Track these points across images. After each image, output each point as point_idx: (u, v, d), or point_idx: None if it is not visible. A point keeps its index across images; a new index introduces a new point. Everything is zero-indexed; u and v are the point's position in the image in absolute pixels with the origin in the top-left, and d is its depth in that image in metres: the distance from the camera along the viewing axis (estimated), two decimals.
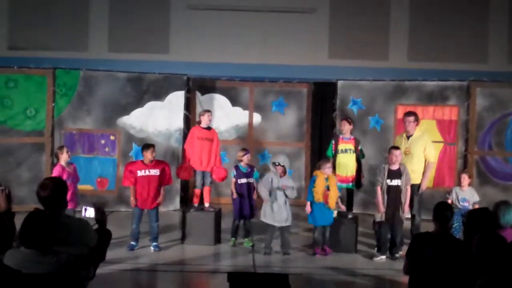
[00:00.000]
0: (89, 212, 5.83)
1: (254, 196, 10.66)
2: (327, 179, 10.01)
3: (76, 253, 5.42)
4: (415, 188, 10.31)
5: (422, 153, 10.52)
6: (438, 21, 15.72)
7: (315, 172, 10.23)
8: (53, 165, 12.92)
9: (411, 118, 10.64)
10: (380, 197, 9.89)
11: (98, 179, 13.15)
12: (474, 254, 5.29)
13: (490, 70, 14.90)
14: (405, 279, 6.37)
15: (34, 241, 4.89)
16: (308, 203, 10.07)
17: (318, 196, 9.95)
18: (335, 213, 10.23)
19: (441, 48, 15.58)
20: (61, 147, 10.31)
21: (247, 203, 10.49)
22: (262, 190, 10.04)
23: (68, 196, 9.43)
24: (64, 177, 9.71)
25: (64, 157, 10.00)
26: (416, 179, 10.36)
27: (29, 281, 4.80)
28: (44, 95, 13.22)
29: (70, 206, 9.47)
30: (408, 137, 10.61)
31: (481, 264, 4.82)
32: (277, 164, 10.09)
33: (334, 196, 10.00)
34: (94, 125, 13.54)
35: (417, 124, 10.70)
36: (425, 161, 10.55)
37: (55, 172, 9.90)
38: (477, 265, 5.17)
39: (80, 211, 5.95)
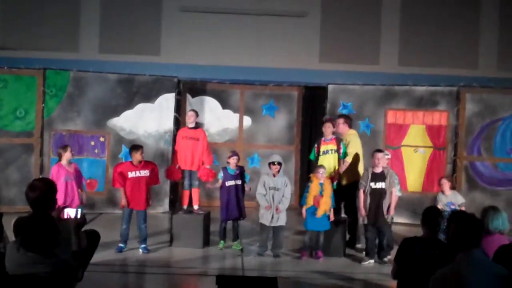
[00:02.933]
0: (71, 213, 5.82)
1: (248, 188, 10.65)
2: (322, 184, 10.01)
3: (68, 255, 5.42)
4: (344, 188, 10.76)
5: (352, 153, 10.84)
6: (429, 27, 15.81)
7: (312, 176, 10.25)
8: (41, 165, 12.99)
9: (341, 120, 11.13)
10: (362, 200, 9.92)
11: (88, 181, 13.08)
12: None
13: (480, 75, 14.98)
14: (393, 283, 6.37)
15: (38, 245, 4.87)
16: (304, 207, 10.09)
17: (309, 201, 9.97)
18: (331, 217, 10.18)
19: (432, 54, 15.65)
20: (65, 146, 10.26)
21: (234, 205, 10.47)
22: (261, 198, 10.05)
23: (65, 196, 9.60)
24: (62, 176, 9.78)
25: (67, 156, 9.98)
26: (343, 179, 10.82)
27: (26, 282, 4.78)
28: (34, 96, 13.18)
29: (74, 205, 9.57)
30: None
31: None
32: (275, 163, 10.09)
33: (324, 204, 9.96)
34: (84, 126, 13.51)
35: (349, 126, 11.14)
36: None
37: (52, 170, 9.97)
38: None
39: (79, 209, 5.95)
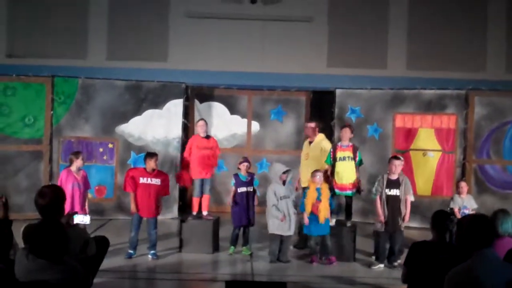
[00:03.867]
0: (78, 219, 5.84)
1: (256, 203, 10.64)
2: (319, 189, 9.99)
3: (77, 262, 5.43)
4: None
5: (320, 157, 10.81)
6: (437, 30, 15.78)
7: (308, 182, 10.23)
8: (50, 172, 13.03)
9: (312, 125, 11.09)
10: (380, 207, 9.87)
11: (96, 187, 13.14)
12: None
13: (488, 79, 14.97)
14: (403, 287, 6.35)
15: (47, 251, 4.88)
16: (305, 213, 10.06)
17: (308, 208, 9.95)
18: (332, 222, 10.18)
19: (440, 57, 15.63)
20: (77, 153, 10.31)
21: (245, 212, 10.47)
22: (275, 210, 9.92)
23: (71, 203, 9.65)
24: (70, 182, 9.86)
25: (78, 163, 10.04)
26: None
27: None
28: (43, 103, 13.22)
29: (77, 209, 9.65)
30: (310, 143, 11.08)
31: None
32: (285, 172, 10.05)
33: (324, 209, 9.91)
34: (92, 133, 13.54)
35: (318, 131, 11.10)
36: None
37: (61, 175, 10.02)
38: None
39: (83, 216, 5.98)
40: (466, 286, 4.54)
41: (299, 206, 10.17)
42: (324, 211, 9.90)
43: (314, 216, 9.93)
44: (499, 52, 15.80)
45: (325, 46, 15.93)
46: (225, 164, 13.91)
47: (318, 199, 9.92)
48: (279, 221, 9.91)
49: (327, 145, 11.01)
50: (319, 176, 10.04)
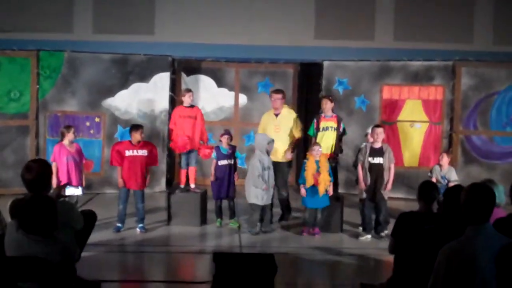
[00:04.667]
0: (70, 191, 5.84)
1: (236, 177, 10.67)
2: (318, 162, 10.01)
3: (66, 236, 5.43)
4: (285, 165, 10.71)
5: (289, 130, 10.78)
6: (424, 1, 15.72)
7: (307, 155, 10.24)
8: (37, 147, 13.00)
9: (279, 96, 10.86)
10: (361, 174, 9.93)
11: (84, 161, 13.10)
12: None
13: (475, 49, 14.94)
14: (390, 257, 6.40)
15: (37, 226, 4.88)
16: (302, 186, 10.09)
17: (309, 180, 9.97)
18: (330, 192, 10.16)
19: (427, 28, 15.59)
20: (68, 127, 10.35)
21: (226, 184, 10.48)
22: (258, 181, 9.97)
23: (67, 176, 9.75)
24: (63, 156, 9.96)
25: (69, 137, 10.09)
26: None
27: (25, 263, 4.80)
28: (28, 78, 13.11)
29: (74, 183, 9.88)
30: (276, 115, 10.85)
31: None
32: (269, 142, 10.07)
33: (323, 180, 9.95)
34: (79, 107, 13.46)
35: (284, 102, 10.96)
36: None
37: (54, 150, 10.06)
38: None
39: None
40: (461, 262, 4.48)
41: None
42: (323, 182, 9.95)
43: (313, 188, 9.97)
44: (486, 23, 15.77)
45: (312, 18, 15.85)
46: (213, 137, 13.87)
47: (317, 171, 9.95)
48: (259, 190, 9.97)
49: (295, 114, 11.04)
50: (317, 149, 10.06)
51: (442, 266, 4.54)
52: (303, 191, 10.07)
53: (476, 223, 4.57)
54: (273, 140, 10.17)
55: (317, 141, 10.45)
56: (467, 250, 4.47)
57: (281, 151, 10.62)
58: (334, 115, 10.73)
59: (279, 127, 10.77)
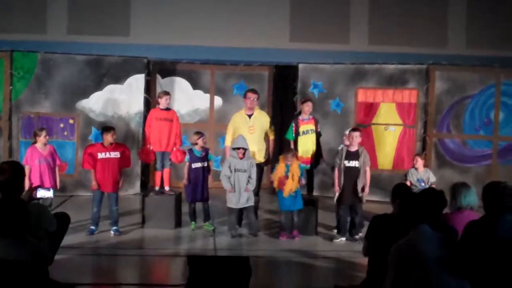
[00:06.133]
0: (41, 193, 5.79)
1: (210, 179, 10.68)
2: (288, 166, 10.01)
3: (38, 239, 5.38)
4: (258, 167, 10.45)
5: (263, 131, 10.72)
6: (398, 5, 15.83)
7: (280, 158, 10.23)
8: (9, 149, 12.89)
9: (256, 95, 10.73)
10: (337, 178, 9.96)
11: (58, 163, 13.00)
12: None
13: (449, 53, 15.09)
14: (364, 260, 6.42)
15: (8, 229, 4.83)
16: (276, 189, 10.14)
17: (274, 182, 10.02)
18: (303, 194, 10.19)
19: (401, 32, 15.69)
20: (41, 129, 10.37)
21: (200, 187, 10.46)
22: (225, 181, 10.01)
23: (40, 179, 9.73)
24: (35, 159, 9.98)
25: (41, 140, 10.12)
26: (262, 157, 10.67)
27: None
28: (1, 79, 13.03)
29: (47, 185, 9.90)
30: (249, 116, 10.69)
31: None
32: (239, 148, 10.05)
33: (289, 185, 9.92)
34: (52, 108, 13.37)
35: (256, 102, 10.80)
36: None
37: (26, 154, 10.12)
38: None
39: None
40: (410, 260, 4.76)
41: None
42: (289, 186, 9.93)
43: (281, 191, 9.99)
44: (459, 27, 15.91)
45: (287, 21, 15.87)
46: (188, 139, 13.83)
47: (286, 175, 9.95)
48: (232, 193, 9.98)
49: (267, 116, 11.06)
50: (290, 156, 10.03)
51: (395, 260, 4.89)
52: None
53: (414, 225, 4.97)
54: (239, 147, 10.07)
55: (298, 145, 10.46)
56: (413, 247, 4.84)
57: (256, 152, 10.58)
58: (311, 117, 10.73)
59: (253, 128, 10.61)
